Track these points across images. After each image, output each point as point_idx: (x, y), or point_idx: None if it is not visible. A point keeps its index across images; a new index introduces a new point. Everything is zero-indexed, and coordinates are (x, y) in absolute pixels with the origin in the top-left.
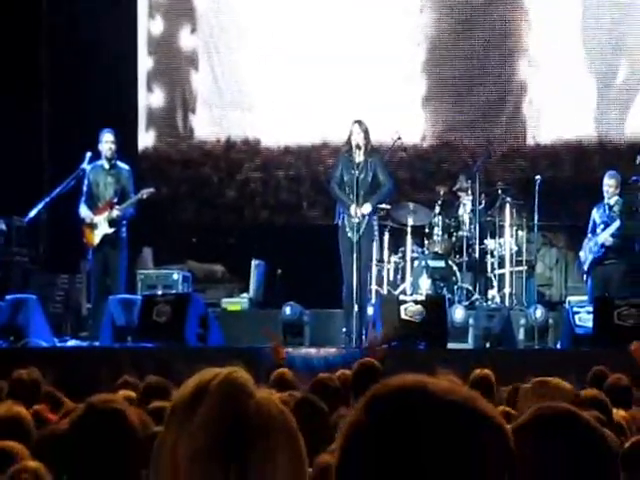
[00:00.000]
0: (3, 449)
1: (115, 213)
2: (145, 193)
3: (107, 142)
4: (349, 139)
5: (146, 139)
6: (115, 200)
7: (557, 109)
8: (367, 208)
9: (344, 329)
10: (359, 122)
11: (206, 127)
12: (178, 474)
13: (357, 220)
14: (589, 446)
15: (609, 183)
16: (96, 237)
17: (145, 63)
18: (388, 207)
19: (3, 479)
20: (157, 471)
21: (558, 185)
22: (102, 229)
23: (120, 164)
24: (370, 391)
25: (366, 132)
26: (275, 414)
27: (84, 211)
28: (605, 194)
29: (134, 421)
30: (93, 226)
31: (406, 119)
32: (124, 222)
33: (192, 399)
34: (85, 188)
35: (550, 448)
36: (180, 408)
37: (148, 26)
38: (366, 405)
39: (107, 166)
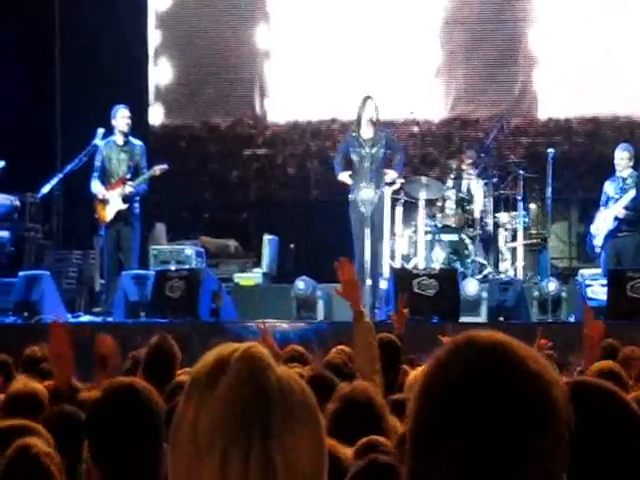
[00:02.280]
0: (18, 426)
1: (128, 189)
2: (158, 169)
3: (124, 117)
4: (359, 116)
5: (155, 115)
6: (128, 176)
7: (570, 83)
8: (393, 174)
9: None
10: (370, 97)
11: (215, 105)
12: (198, 447)
13: (371, 198)
14: (625, 423)
15: (621, 155)
16: (109, 213)
17: (154, 38)
18: (401, 181)
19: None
20: (176, 444)
21: (571, 159)
22: (115, 205)
23: (133, 140)
24: (458, 340)
25: (377, 107)
26: (295, 389)
27: (96, 187)
28: (617, 167)
29: (155, 397)
30: (106, 202)
31: (417, 95)
32: (137, 198)
33: (213, 372)
34: (98, 164)
35: (586, 423)
36: (200, 381)
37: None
38: (455, 354)
39: (120, 142)
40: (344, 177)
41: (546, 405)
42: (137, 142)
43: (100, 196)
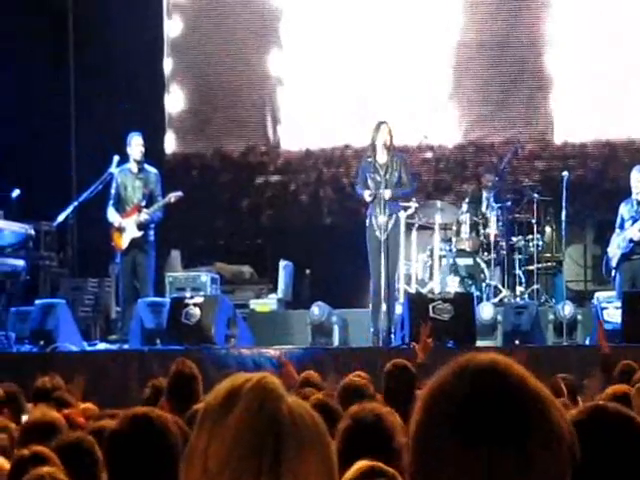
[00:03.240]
0: (32, 455)
1: (143, 217)
2: (173, 197)
3: (137, 145)
4: (373, 141)
5: (170, 143)
6: (143, 203)
7: (585, 107)
8: (387, 194)
9: (372, 329)
10: (384, 122)
11: (227, 132)
12: (209, 475)
13: (386, 223)
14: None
15: (637, 178)
16: (124, 241)
17: (167, 64)
18: (416, 205)
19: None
20: (188, 474)
21: (586, 182)
22: (130, 232)
23: (148, 167)
24: (460, 362)
25: (391, 132)
26: (307, 419)
27: (112, 215)
28: (633, 189)
29: (170, 426)
30: (121, 230)
31: (430, 120)
32: (152, 225)
33: (224, 403)
34: (113, 191)
35: (603, 447)
36: (212, 412)
37: (168, 28)
38: (460, 374)
39: (135, 169)
40: (366, 195)
41: (547, 421)
42: (152, 169)
43: (116, 224)
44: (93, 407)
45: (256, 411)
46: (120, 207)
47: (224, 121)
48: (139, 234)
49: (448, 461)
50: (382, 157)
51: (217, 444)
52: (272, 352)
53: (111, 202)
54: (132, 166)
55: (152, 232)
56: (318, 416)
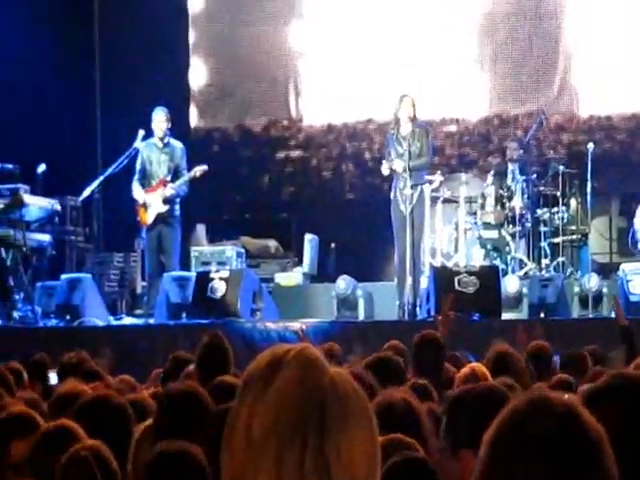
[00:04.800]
0: (62, 427)
1: (169, 191)
2: (199, 171)
3: (160, 121)
4: (396, 114)
5: (194, 117)
6: (169, 178)
7: (611, 80)
8: (399, 165)
9: (397, 302)
10: (407, 95)
11: (251, 106)
12: (253, 447)
13: (410, 195)
14: None
15: None
16: (150, 215)
17: (190, 38)
18: (441, 179)
19: (63, 458)
20: (231, 444)
21: (611, 155)
22: (156, 207)
23: (173, 141)
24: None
25: (414, 104)
26: (349, 389)
27: (137, 192)
28: None
29: (207, 399)
30: (146, 205)
31: (454, 93)
32: (177, 200)
33: (267, 372)
34: (139, 166)
35: (621, 414)
36: (255, 381)
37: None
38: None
39: (160, 144)
40: (383, 167)
41: (608, 472)
42: (177, 144)
43: (140, 201)
44: (129, 378)
45: (299, 380)
46: (146, 181)
47: (246, 95)
48: (165, 208)
49: None
50: (405, 129)
51: (261, 414)
52: (297, 327)
53: (136, 177)
54: (157, 141)
55: (177, 206)
56: (360, 388)
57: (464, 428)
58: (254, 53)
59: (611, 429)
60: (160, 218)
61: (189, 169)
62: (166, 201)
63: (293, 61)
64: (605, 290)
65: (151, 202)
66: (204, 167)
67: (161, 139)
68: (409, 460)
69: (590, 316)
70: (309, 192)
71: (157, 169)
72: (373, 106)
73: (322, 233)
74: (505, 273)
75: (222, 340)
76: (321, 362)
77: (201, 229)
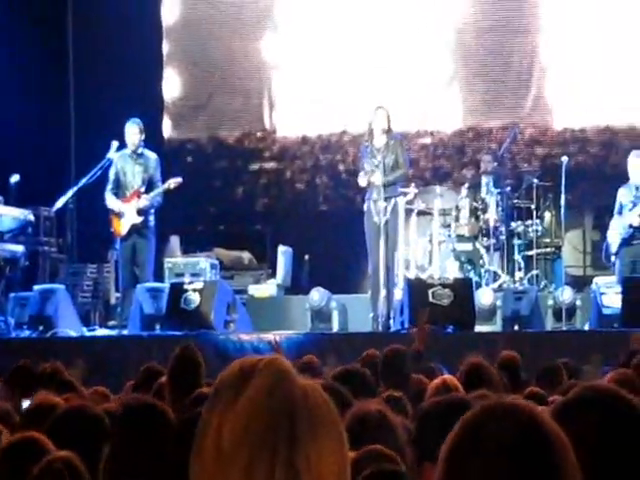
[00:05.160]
0: (28, 439)
1: (143, 202)
2: (173, 183)
3: (132, 134)
4: (370, 126)
5: (167, 128)
6: (143, 189)
7: (585, 93)
8: (377, 178)
9: (371, 314)
10: (381, 107)
11: (224, 118)
12: (223, 457)
13: (384, 208)
14: (632, 424)
15: (635, 162)
16: (124, 226)
17: (164, 49)
18: (415, 191)
19: (35, 470)
20: (201, 454)
21: (585, 168)
22: (130, 218)
23: (147, 152)
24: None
25: (388, 116)
26: (319, 400)
27: (111, 201)
28: (631, 174)
29: (168, 412)
30: (120, 215)
31: (428, 106)
32: (152, 211)
33: (238, 381)
34: (112, 177)
35: (593, 426)
36: (225, 390)
37: (165, 13)
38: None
39: (134, 155)
40: (360, 179)
41: (570, 476)
42: (151, 155)
43: (116, 210)
44: (103, 389)
45: (270, 391)
46: (120, 192)
47: (220, 107)
48: (139, 220)
49: None
50: (379, 141)
51: (231, 423)
52: (271, 337)
53: (109, 187)
54: (130, 152)
55: (152, 217)
56: (329, 397)
57: (430, 440)
58: (228, 65)
59: (582, 441)
60: (134, 229)
61: (163, 180)
62: (140, 212)
63: (267, 73)
64: (579, 303)
65: (125, 213)
66: (179, 179)
67: (134, 151)
68: (383, 472)
69: (564, 329)
70: (283, 204)
71: (131, 180)
72: (347, 118)
73: (296, 245)
74: (479, 286)
75: (194, 352)
76: (292, 373)
77: (175, 240)
